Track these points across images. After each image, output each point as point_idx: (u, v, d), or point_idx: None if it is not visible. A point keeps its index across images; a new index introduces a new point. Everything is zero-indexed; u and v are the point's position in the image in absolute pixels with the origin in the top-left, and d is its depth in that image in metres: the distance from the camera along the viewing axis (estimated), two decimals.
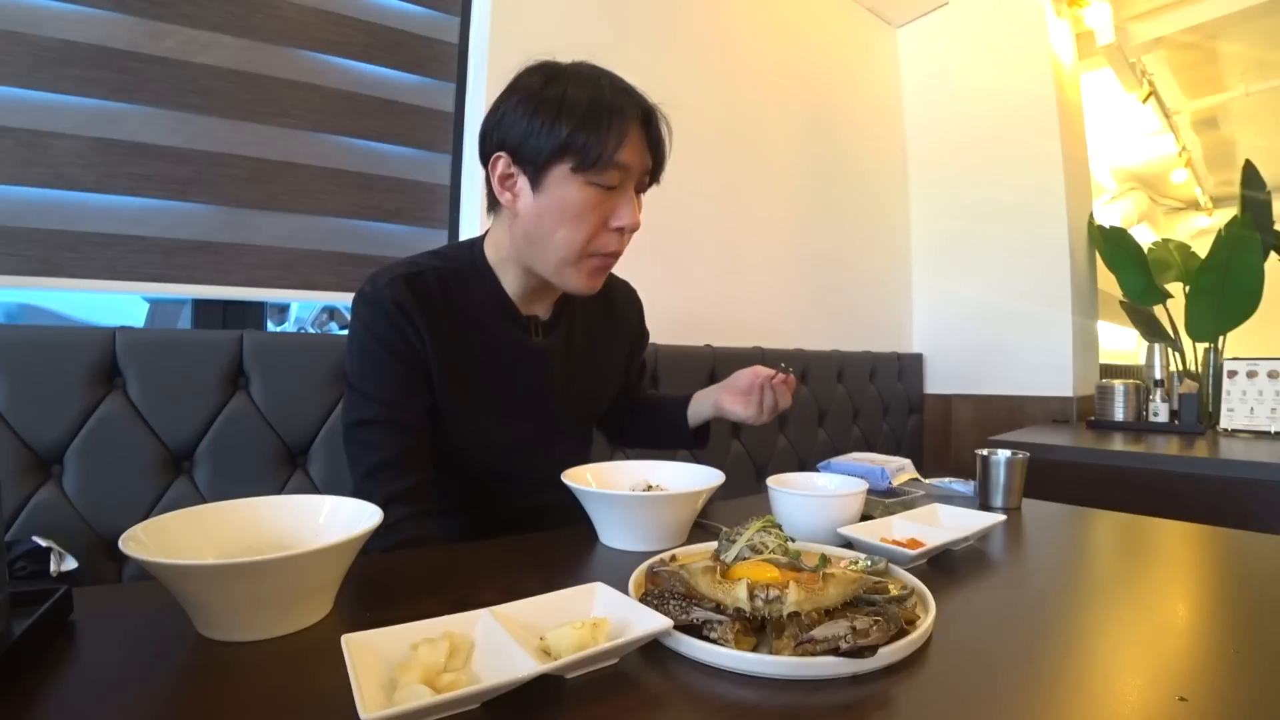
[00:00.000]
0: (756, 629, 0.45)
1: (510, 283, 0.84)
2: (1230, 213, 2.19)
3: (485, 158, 0.78)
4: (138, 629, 0.48)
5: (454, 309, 0.81)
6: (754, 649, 0.43)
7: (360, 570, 0.57)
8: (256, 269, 1.28)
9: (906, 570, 0.56)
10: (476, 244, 0.87)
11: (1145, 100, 2.99)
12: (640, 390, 1.10)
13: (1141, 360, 2.07)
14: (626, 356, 1.03)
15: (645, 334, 1.08)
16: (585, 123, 0.71)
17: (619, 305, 1.00)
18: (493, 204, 0.82)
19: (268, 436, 1.10)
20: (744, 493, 1.05)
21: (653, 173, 0.79)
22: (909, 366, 2.41)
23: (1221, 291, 1.94)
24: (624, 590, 0.49)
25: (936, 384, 2.48)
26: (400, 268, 0.80)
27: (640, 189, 0.79)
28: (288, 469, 1.13)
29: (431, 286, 0.80)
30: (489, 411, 0.83)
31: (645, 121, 0.75)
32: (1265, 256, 1.96)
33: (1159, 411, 1.95)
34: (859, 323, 2.37)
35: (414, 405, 0.78)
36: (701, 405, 0.99)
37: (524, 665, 0.37)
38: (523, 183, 0.76)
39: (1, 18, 1.06)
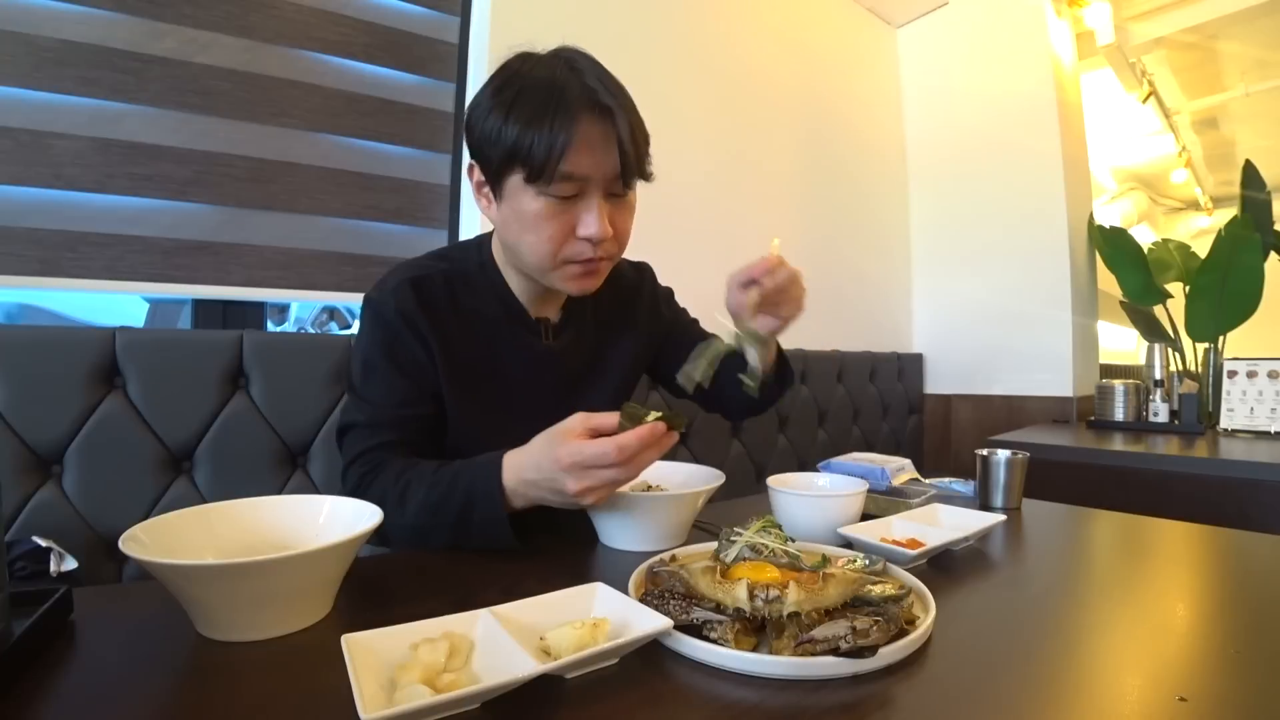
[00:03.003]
0: (756, 629, 0.45)
1: (517, 285, 0.82)
2: (1230, 213, 2.19)
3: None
4: (138, 629, 0.48)
5: (461, 313, 0.79)
6: (754, 649, 0.43)
7: (360, 570, 0.57)
8: (256, 269, 1.28)
9: (906, 570, 0.56)
10: (485, 244, 0.85)
11: (1145, 100, 2.99)
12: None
13: (1141, 360, 2.07)
14: (650, 342, 0.97)
15: (669, 310, 1.01)
16: (531, 125, 0.65)
17: (627, 297, 0.94)
18: None
19: (268, 436, 1.10)
20: (744, 493, 1.05)
21: (624, 174, 0.70)
22: (909, 366, 2.41)
23: (1221, 291, 1.94)
24: (624, 590, 0.49)
25: (936, 384, 2.48)
26: (406, 271, 0.78)
27: (614, 191, 0.72)
28: (288, 469, 1.13)
29: (438, 290, 0.78)
30: (498, 415, 0.81)
31: (603, 120, 0.67)
32: (1265, 256, 1.96)
33: (1159, 411, 1.95)
34: (859, 323, 2.36)
35: (409, 414, 0.77)
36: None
37: (524, 665, 0.37)
38: (489, 191, 0.74)
39: (1, 18, 1.06)
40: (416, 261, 0.83)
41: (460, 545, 0.68)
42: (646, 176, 0.74)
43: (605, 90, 0.68)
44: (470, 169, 0.76)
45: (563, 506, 0.64)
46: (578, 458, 0.58)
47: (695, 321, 1.05)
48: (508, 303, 0.82)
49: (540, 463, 0.62)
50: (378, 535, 0.57)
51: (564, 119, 0.65)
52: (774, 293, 0.71)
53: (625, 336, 0.94)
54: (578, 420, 0.61)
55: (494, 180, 0.72)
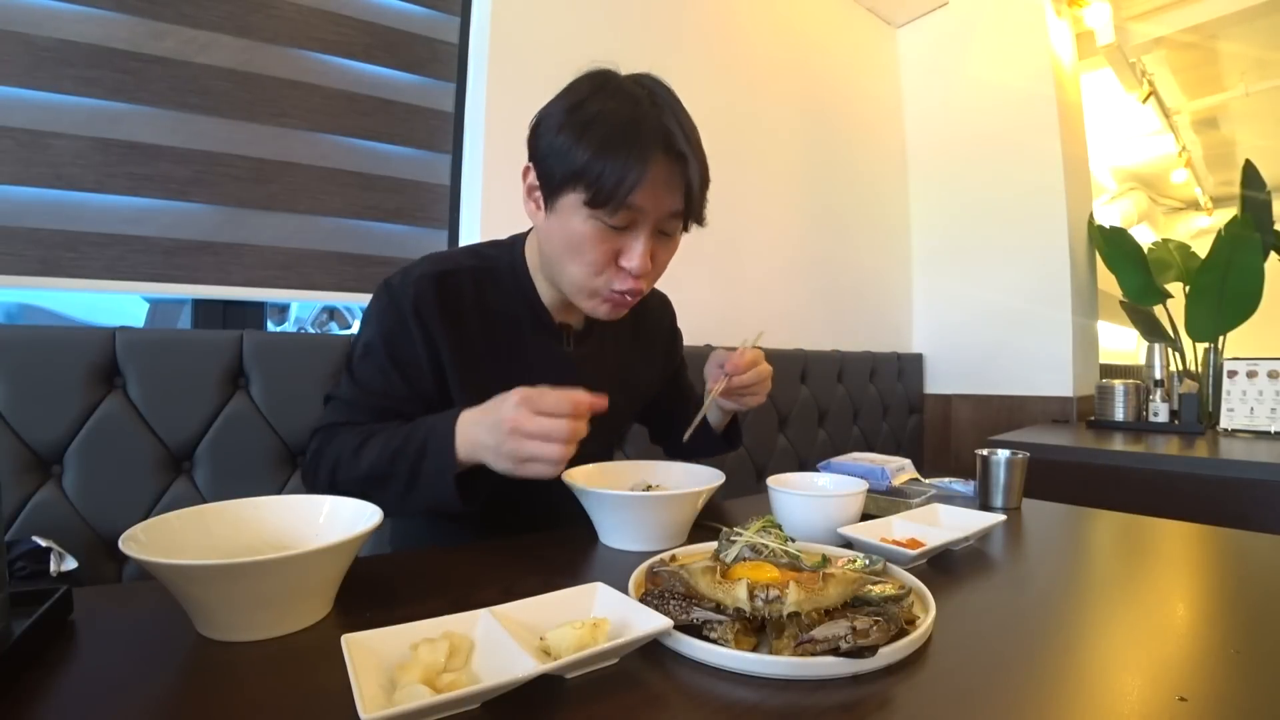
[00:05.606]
0: (756, 629, 0.45)
1: (544, 290, 0.83)
2: (1230, 213, 2.19)
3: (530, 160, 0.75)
4: (138, 629, 0.48)
5: (485, 311, 0.79)
6: (754, 649, 0.43)
7: (360, 570, 0.57)
8: (256, 269, 1.28)
9: (906, 570, 0.56)
10: (517, 244, 0.85)
11: (1145, 100, 2.99)
12: (692, 400, 1.04)
13: (1141, 360, 2.07)
14: (661, 375, 1.00)
15: (678, 354, 1.06)
16: (604, 152, 0.65)
17: (649, 322, 0.97)
18: None
19: (268, 436, 1.10)
20: (744, 493, 1.05)
21: (684, 216, 0.72)
22: (909, 366, 2.41)
23: (1221, 291, 1.94)
24: (624, 590, 0.49)
25: (936, 384, 2.48)
26: (435, 264, 0.79)
27: (665, 229, 0.72)
28: (288, 469, 1.13)
29: (465, 287, 0.79)
30: None
31: (676, 163, 0.68)
32: (1265, 256, 1.96)
33: (1159, 411, 1.95)
34: (859, 323, 2.37)
35: (389, 407, 0.76)
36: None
37: (524, 665, 0.37)
38: (540, 198, 0.73)
39: (1, 18, 1.06)
40: (449, 255, 0.83)
41: (405, 507, 0.66)
42: (701, 222, 0.75)
43: (682, 133, 0.68)
44: (525, 170, 0.75)
45: (502, 468, 0.62)
46: (529, 396, 0.61)
47: (685, 365, 1.09)
48: (533, 305, 0.83)
49: (493, 408, 0.63)
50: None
51: (638, 155, 0.65)
52: (739, 386, 0.83)
53: (644, 358, 0.97)
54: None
55: (549, 192, 0.71)
